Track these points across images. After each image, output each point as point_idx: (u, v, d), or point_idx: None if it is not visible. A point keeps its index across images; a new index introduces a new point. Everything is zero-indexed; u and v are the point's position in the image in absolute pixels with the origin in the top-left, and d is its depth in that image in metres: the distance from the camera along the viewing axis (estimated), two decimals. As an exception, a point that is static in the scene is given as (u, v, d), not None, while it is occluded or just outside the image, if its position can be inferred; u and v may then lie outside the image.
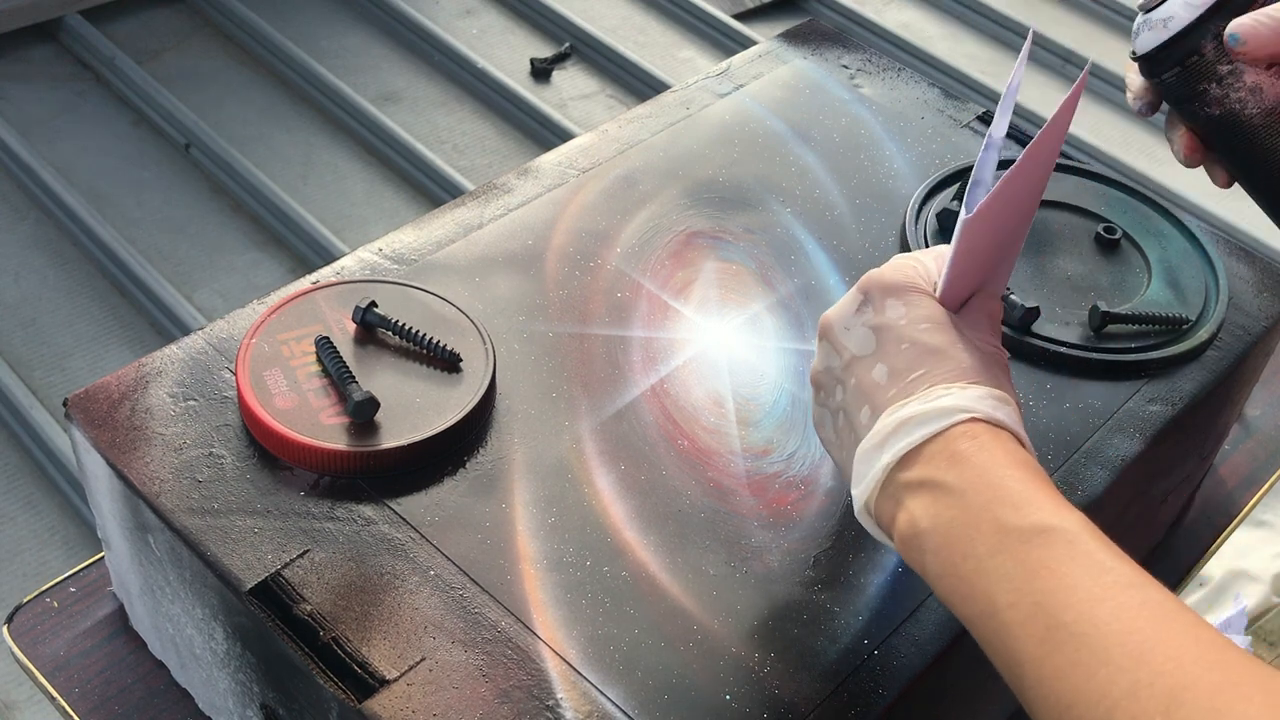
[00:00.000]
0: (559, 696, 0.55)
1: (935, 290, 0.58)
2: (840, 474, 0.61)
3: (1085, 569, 0.47)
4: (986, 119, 0.95)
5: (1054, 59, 2.45)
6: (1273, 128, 0.65)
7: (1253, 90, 0.64)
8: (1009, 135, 0.91)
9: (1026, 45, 0.60)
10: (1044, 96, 2.32)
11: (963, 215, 0.56)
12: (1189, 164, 0.69)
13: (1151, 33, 0.67)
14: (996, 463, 0.51)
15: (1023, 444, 0.54)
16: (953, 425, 0.53)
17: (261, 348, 0.67)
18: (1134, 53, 0.69)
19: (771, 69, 0.97)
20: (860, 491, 0.56)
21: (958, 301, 0.59)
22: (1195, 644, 0.44)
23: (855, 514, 0.57)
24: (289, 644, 0.56)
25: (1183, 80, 0.66)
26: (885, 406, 0.55)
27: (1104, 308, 0.76)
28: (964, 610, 0.50)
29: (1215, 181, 0.69)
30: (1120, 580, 0.46)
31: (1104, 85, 2.39)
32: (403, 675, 0.55)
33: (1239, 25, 0.62)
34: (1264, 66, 0.64)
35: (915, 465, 0.53)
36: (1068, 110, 0.55)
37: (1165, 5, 0.66)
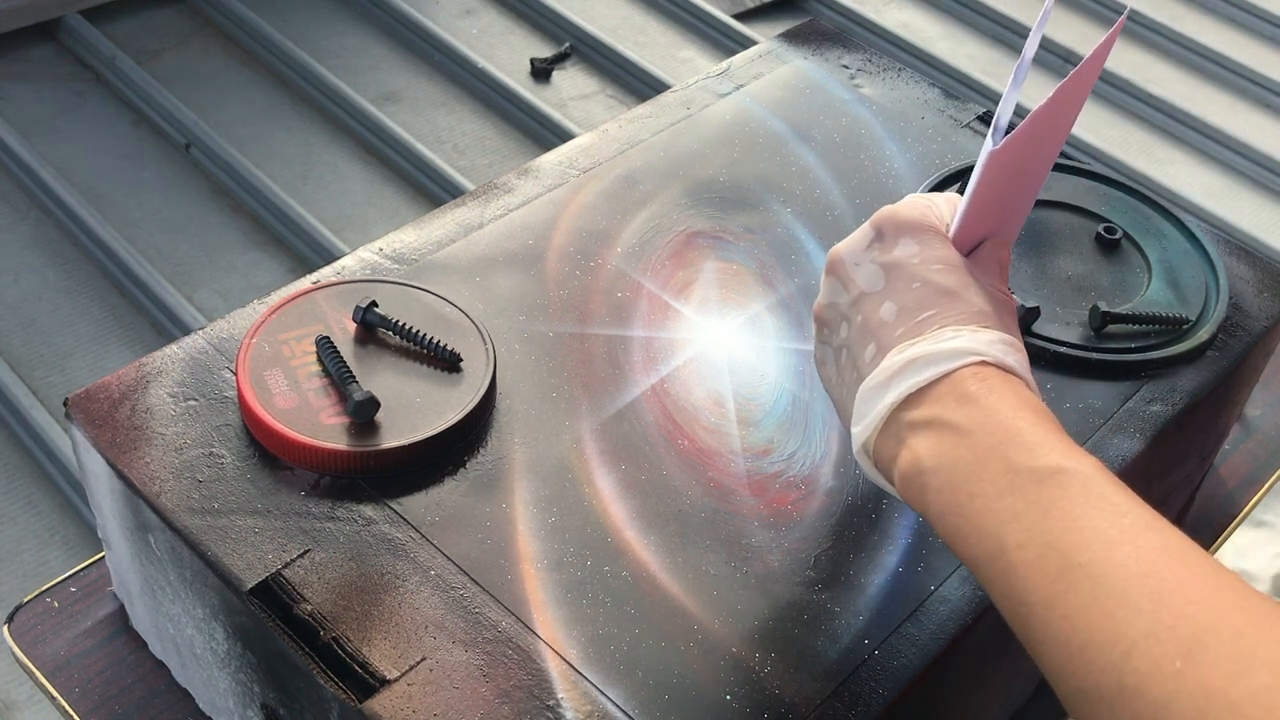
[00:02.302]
0: (560, 696, 0.55)
1: (948, 232, 0.58)
2: (838, 413, 0.60)
3: (1101, 511, 0.45)
4: (986, 119, 0.95)
5: (1054, 59, 2.45)
6: None
7: None
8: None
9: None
10: (1044, 96, 2.31)
11: (987, 146, 0.55)
12: None
13: None
14: (1007, 405, 0.50)
15: (1032, 391, 0.53)
16: (962, 367, 0.52)
17: (262, 347, 0.67)
18: None
19: (771, 69, 0.97)
20: (860, 430, 0.55)
21: (968, 245, 0.58)
22: (1217, 588, 0.42)
23: (853, 453, 0.56)
24: (289, 644, 0.56)
25: None
26: (892, 345, 0.54)
27: (1104, 308, 0.76)
28: (968, 551, 0.49)
29: None
30: (1138, 523, 0.45)
31: (1103, 85, 2.39)
32: (403, 675, 0.55)
33: None
34: None
35: (921, 405, 0.52)
36: (1102, 52, 0.54)
37: None
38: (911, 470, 0.52)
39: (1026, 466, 0.48)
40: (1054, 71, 2.44)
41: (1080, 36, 2.50)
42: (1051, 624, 0.44)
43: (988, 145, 0.56)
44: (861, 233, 0.59)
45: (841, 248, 0.59)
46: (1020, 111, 0.85)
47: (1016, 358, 0.53)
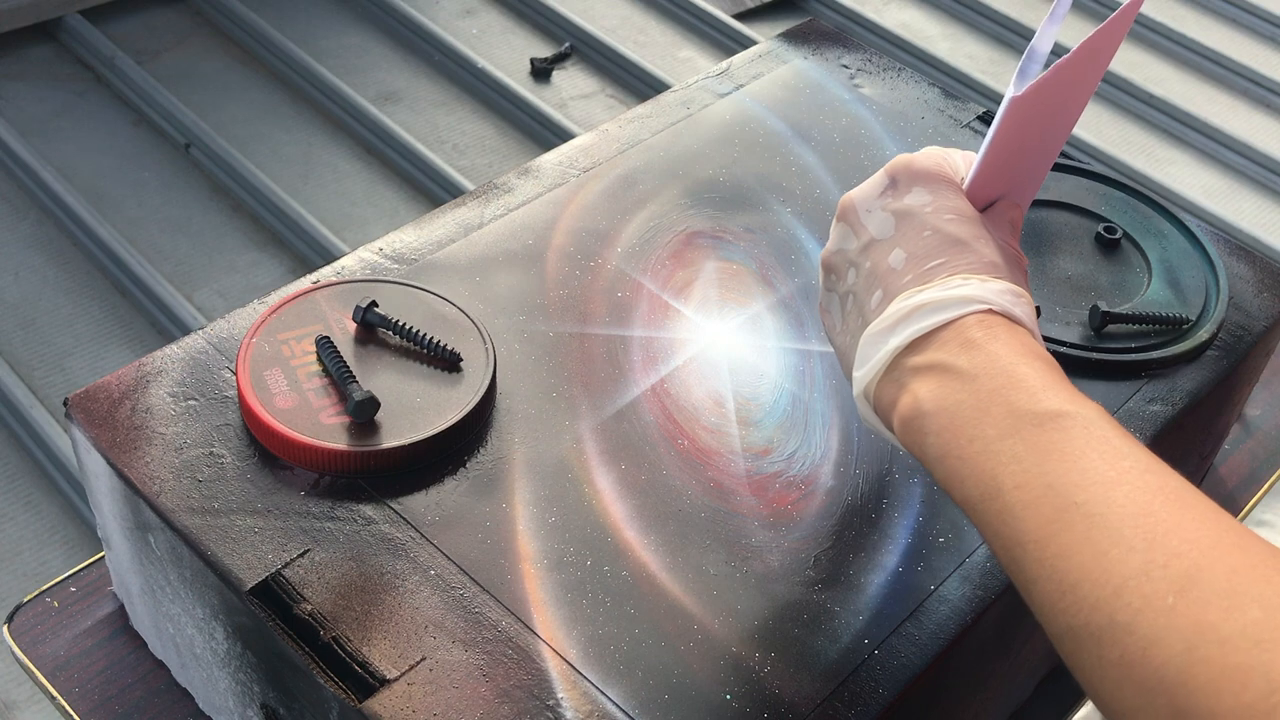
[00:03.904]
0: (559, 696, 0.55)
1: (962, 184, 0.57)
2: (840, 362, 0.60)
3: (1101, 453, 0.45)
4: (986, 119, 0.95)
5: (1053, 58, 2.45)
6: None
7: None
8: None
9: None
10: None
11: (1010, 93, 0.55)
12: None
13: None
14: (1011, 351, 0.50)
15: (1038, 341, 0.52)
16: (968, 314, 0.52)
17: (262, 347, 0.67)
18: None
19: (771, 69, 0.97)
20: (862, 374, 0.54)
21: (982, 201, 0.58)
22: (1214, 528, 0.42)
23: (854, 397, 0.56)
24: (289, 644, 0.56)
25: None
26: (899, 292, 0.54)
27: (1104, 308, 0.76)
28: (964, 492, 0.49)
29: None
30: (1138, 466, 0.45)
31: (1104, 85, 2.39)
32: (403, 675, 0.55)
33: None
34: None
35: (925, 351, 0.52)
36: (1125, 16, 0.54)
37: None
38: (911, 413, 0.51)
39: (1029, 410, 0.48)
40: (1054, 71, 2.43)
41: (1084, 37, 2.49)
42: (1045, 562, 0.44)
43: (1010, 92, 0.55)
44: (875, 180, 0.59)
45: (854, 194, 0.59)
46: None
47: (1024, 309, 0.53)
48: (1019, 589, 0.46)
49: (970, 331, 0.51)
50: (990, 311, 0.52)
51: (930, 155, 0.58)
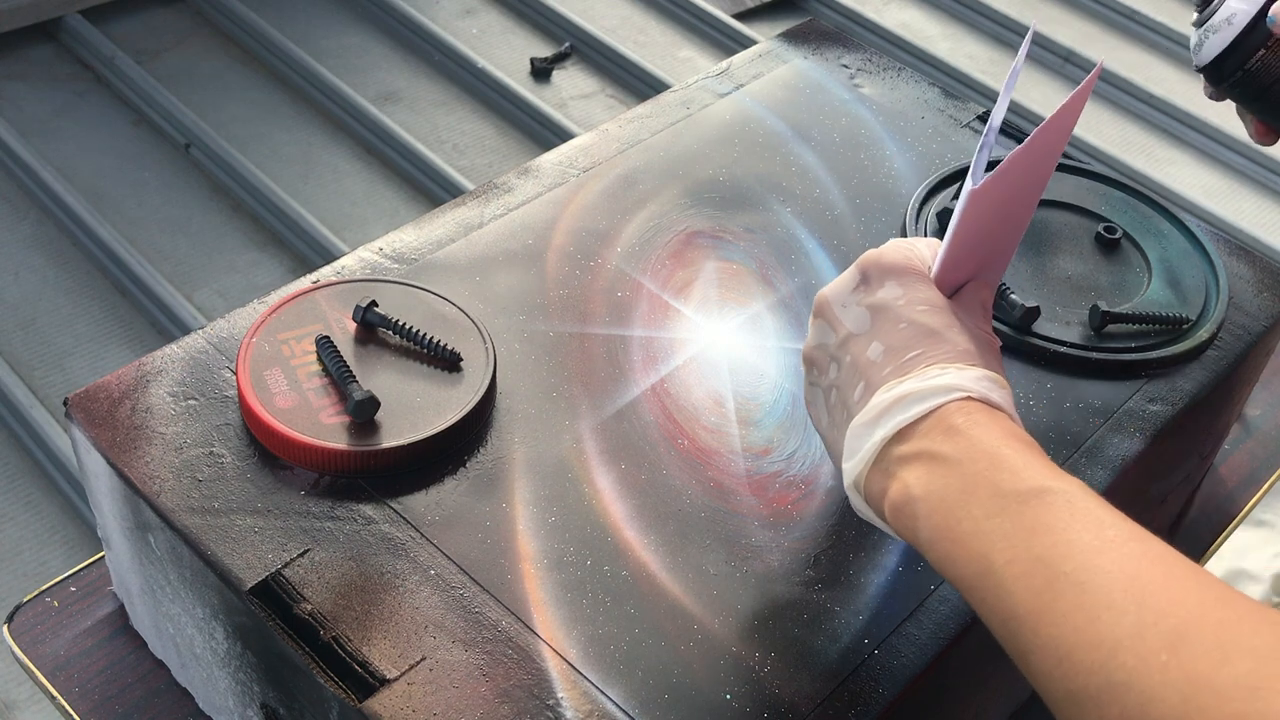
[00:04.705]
0: (559, 696, 0.55)
1: (930, 274, 0.59)
2: (828, 452, 0.61)
3: (1085, 525, 0.47)
4: (986, 119, 0.95)
5: (1054, 59, 2.45)
6: None
7: None
8: (1003, 131, 0.91)
9: (1026, 41, 0.60)
10: (1044, 97, 2.32)
11: (968, 186, 0.56)
12: (1263, 144, 0.79)
13: (1217, 36, 0.70)
14: (993, 435, 0.52)
15: (1016, 424, 0.54)
16: (948, 402, 0.53)
17: (262, 347, 0.67)
18: (1199, 65, 0.75)
19: (771, 69, 0.97)
20: (851, 466, 0.56)
21: (951, 287, 0.59)
22: (1200, 588, 0.44)
23: (845, 489, 0.57)
24: (289, 643, 0.56)
25: (1250, 76, 0.73)
26: (880, 384, 0.56)
27: (1104, 307, 0.76)
28: (957, 572, 0.50)
29: None
30: (1121, 535, 0.47)
31: (1104, 85, 2.39)
32: (403, 674, 0.55)
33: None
34: None
35: (910, 440, 0.54)
36: (1078, 100, 0.55)
37: (1223, 7, 0.69)
38: (901, 500, 0.53)
39: (1013, 489, 0.49)
40: (1055, 72, 2.44)
41: (1084, 36, 2.50)
42: (1040, 632, 0.46)
43: (968, 185, 0.56)
44: (847, 276, 0.61)
45: (828, 291, 0.61)
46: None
47: (1001, 394, 0.55)
48: (1016, 661, 0.48)
49: (952, 419, 0.53)
50: (969, 398, 0.54)
51: (897, 249, 0.60)
